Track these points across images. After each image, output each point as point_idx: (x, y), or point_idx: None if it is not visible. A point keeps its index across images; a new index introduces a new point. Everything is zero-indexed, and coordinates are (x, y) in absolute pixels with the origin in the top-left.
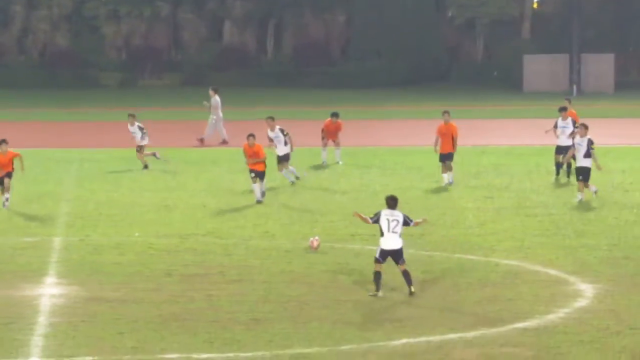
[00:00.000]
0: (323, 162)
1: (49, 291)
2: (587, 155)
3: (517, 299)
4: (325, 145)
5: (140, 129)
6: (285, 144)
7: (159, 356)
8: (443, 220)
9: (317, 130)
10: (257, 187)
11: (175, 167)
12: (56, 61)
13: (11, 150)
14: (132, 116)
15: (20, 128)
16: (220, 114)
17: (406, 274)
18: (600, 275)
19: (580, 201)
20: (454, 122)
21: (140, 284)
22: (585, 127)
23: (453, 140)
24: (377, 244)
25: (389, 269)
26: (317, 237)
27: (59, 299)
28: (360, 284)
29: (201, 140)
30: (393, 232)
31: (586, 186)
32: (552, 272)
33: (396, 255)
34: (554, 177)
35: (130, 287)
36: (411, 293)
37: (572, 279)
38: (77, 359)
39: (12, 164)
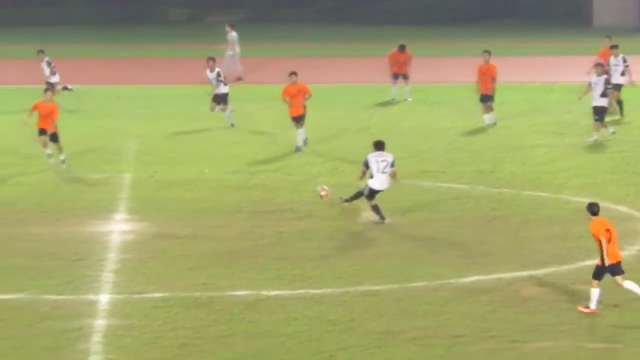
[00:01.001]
0: (392, 99)
1: (119, 227)
2: (604, 94)
3: (587, 237)
4: (394, 81)
5: (49, 64)
6: (225, 84)
7: (229, 293)
8: (512, 157)
9: (376, 67)
10: (301, 132)
11: (244, 104)
12: None
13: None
14: (41, 52)
15: (88, 64)
16: (237, 50)
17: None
18: None
19: (595, 141)
20: (494, 62)
21: (209, 221)
22: (602, 66)
23: (493, 81)
24: (368, 184)
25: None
26: (324, 187)
27: (128, 235)
28: (430, 221)
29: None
30: (383, 172)
31: (604, 125)
32: (623, 209)
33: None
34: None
35: (199, 223)
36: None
37: None
38: (147, 295)
39: (54, 120)
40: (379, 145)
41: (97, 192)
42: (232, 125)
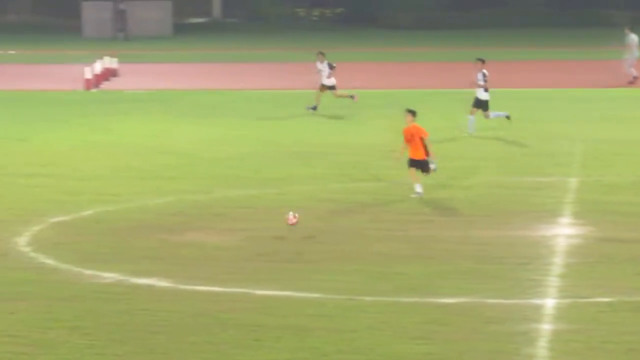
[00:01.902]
0: None
1: (564, 231)
2: None
3: None
4: None
5: (330, 66)
6: (486, 90)
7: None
8: None
9: None
10: None
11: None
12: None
13: (418, 125)
14: (320, 54)
15: (533, 67)
16: (637, 53)
17: None
18: None
19: None
20: None
21: None
22: None
23: None
24: None
25: None
26: (296, 215)
27: (574, 240)
28: None
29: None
30: None
31: None
32: None
33: None
34: None
35: None
36: None
37: None
38: (594, 300)
39: (424, 146)
40: None
41: (542, 196)
42: (470, 133)
